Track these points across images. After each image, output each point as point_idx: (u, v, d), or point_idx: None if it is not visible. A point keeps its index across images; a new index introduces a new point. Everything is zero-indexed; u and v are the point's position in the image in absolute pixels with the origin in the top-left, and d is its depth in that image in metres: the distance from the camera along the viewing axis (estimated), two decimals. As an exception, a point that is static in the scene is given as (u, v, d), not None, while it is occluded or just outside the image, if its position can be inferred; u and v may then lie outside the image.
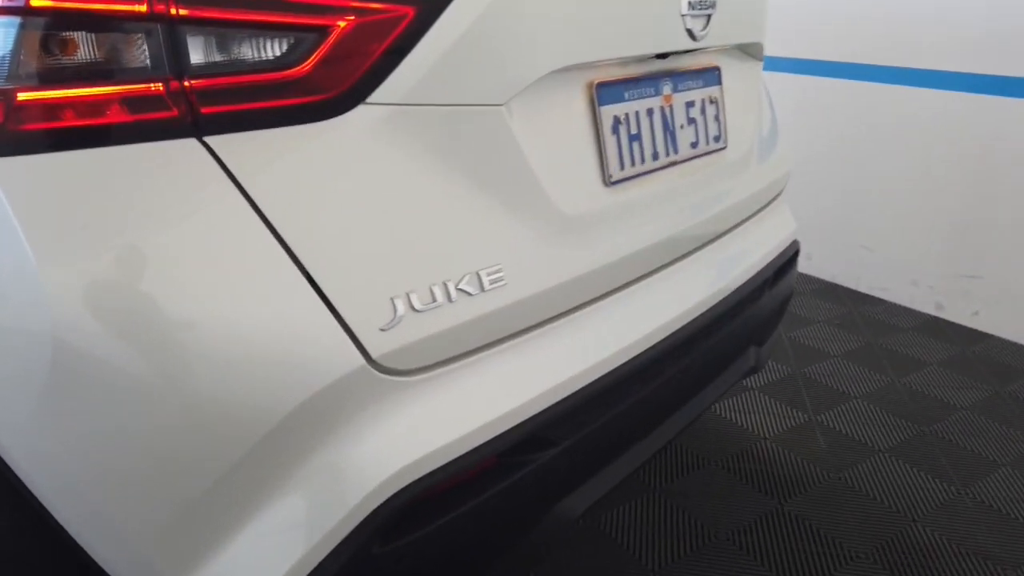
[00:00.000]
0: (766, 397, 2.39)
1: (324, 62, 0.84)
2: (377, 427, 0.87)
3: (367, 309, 0.84)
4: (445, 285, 0.90)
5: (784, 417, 2.28)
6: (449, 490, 0.94)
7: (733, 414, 2.29)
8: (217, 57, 0.81)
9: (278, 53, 0.83)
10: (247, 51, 0.82)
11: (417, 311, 0.87)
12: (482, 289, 0.93)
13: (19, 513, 0.83)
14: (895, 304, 3.11)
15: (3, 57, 0.74)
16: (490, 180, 0.96)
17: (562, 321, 1.05)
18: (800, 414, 2.29)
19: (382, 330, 0.85)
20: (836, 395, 2.40)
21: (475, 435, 0.93)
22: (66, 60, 0.76)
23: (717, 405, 2.33)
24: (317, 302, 0.81)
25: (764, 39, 1.50)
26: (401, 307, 0.86)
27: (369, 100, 0.87)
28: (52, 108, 0.75)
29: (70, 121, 0.76)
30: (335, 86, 0.85)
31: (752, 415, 2.29)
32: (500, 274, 0.95)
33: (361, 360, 0.83)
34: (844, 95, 3.11)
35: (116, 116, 0.77)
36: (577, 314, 1.07)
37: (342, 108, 0.86)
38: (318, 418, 0.83)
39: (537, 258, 1.00)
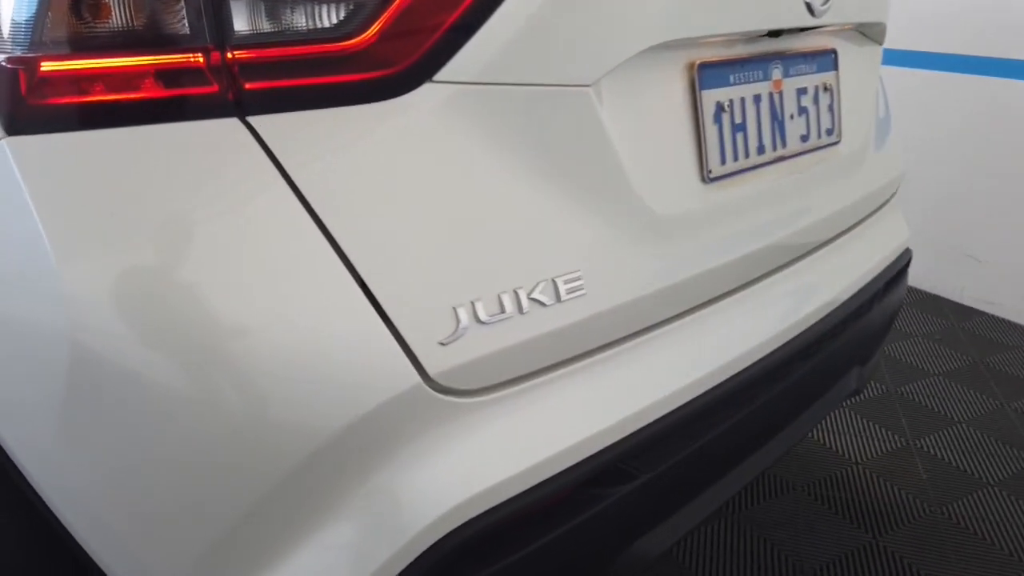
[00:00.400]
0: (859, 417, 2.19)
1: (387, 32, 0.73)
2: (436, 454, 0.75)
3: (425, 319, 0.72)
4: (516, 294, 0.78)
5: (879, 441, 2.08)
6: (516, 526, 0.82)
7: (822, 435, 2.10)
8: (264, 25, 0.70)
9: (334, 21, 0.72)
10: (299, 19, 0.71)
11: (483, 323, 0.75)
12: (558, 299, 0.81)
13: (33, 529, 0.75)
14: (1003, 319, 2.84)
15: (27, 22, 0.65)
16: (572, 173, 0.83)
17: (647, 337, 0.91)
18: (897, 438, 2.09)
19: (442, 344, 0.73)
20: (937, 418, 2.19)
21: (545, 466, 0.81)
22: (97, 26, 0.66)
23: (804, 423, 2.15)
24: (368, 310, 0.70)
25: (887, 19, 1.32)
26: (464, 318, 0.74)
27: (436, 78, 0.75)
28: (78, 80, 0.66)
29: (97, 96, 0.66)
30: (398, 61, 0.74)
31: (843, 437, 2.10)
32: (579, 282, 0.82)
33: (416, 378, 0.72)
34: (948, 90, 2.86)
35: (148, 91, 0.67)
36: (665, 330, 0.93)
37: (405, 87, 0.74)
38: (367, 442, 0.72)
39: (622, 264, 0.87)
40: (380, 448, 0.73)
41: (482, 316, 0.75)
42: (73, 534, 0.72)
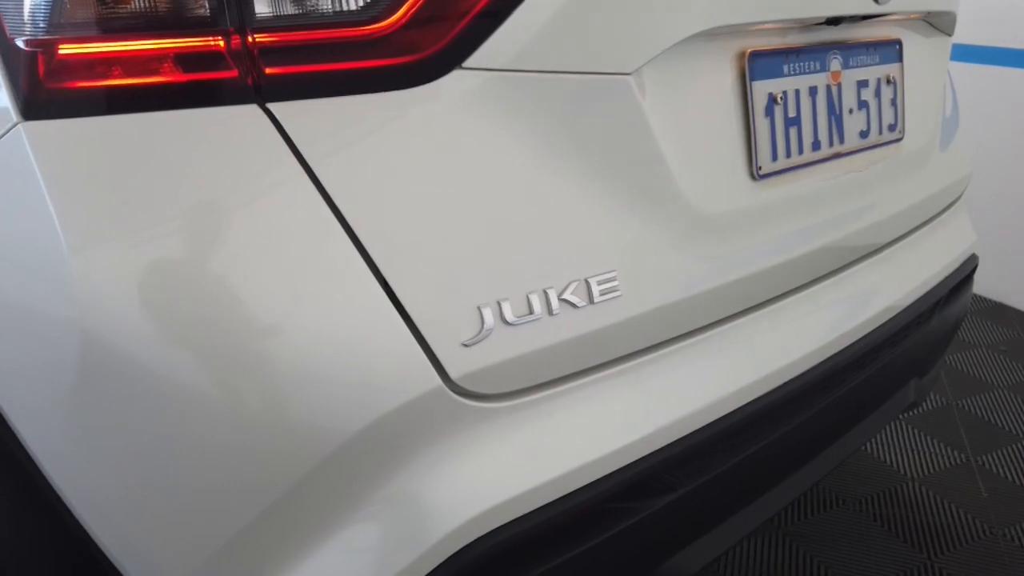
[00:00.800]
0: (915, 431, 2.08)
1: (415, 16, 0.69)
2: (460, 459, 0.72)
3: (448, 319, 0.68)
4: (545, 294, 0.73)
5: (937, 456, 1.98)
6: (543, 537, 0.78)
7: (876, 449, 2.00)
8: (287, 8, 0.67)
9: (360, 4, 0.69)
10: (323, 2, 0.68)
11: (509, 324, 0.71)
12: (591, 300, 0.76)
13: (50, 525, 0.73)
14: (1075, 331, 2.69)
15: (46, 4, 0.63)
16: (610, 166, 0.78)
17: (689, 343, 0.86)
18: (956, 454, 1.98)
19: (465, 345, 0.69)
20: (1000, 434, 2.07)
21: (575, 476, 0.76)
22: (116, 9, 0.64)
23: (856, 435, 2.05)
24: (389, 309, 0.66)
25: (957, 8, 1.23)
26: (490, 318, 0.70)
27: (466, 64, 0.71)
28: (96, 64, 0.64)
29: (115, 80, 0.64)
30: (426, 46, 0.70)
31: (899, 451, 2.00)
32: (614, 283, 0.77)
33: (437, 380, 0.68)
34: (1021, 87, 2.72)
35: (166, 76, 0.65)
36: (708, 335, 0.88)
37: (433, 73, 0.70)
38: (387, 445, 0.68)
39: (662, 265, 0.82)
40: (401, 451, 0.69)
41: (509, 317, 0.71)
42: (87, 530, 0.70)
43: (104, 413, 0.65)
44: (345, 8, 0.69)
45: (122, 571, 0.71)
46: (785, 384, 0.93)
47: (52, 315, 0.64)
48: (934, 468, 1.93)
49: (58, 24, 0.64)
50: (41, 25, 0.64)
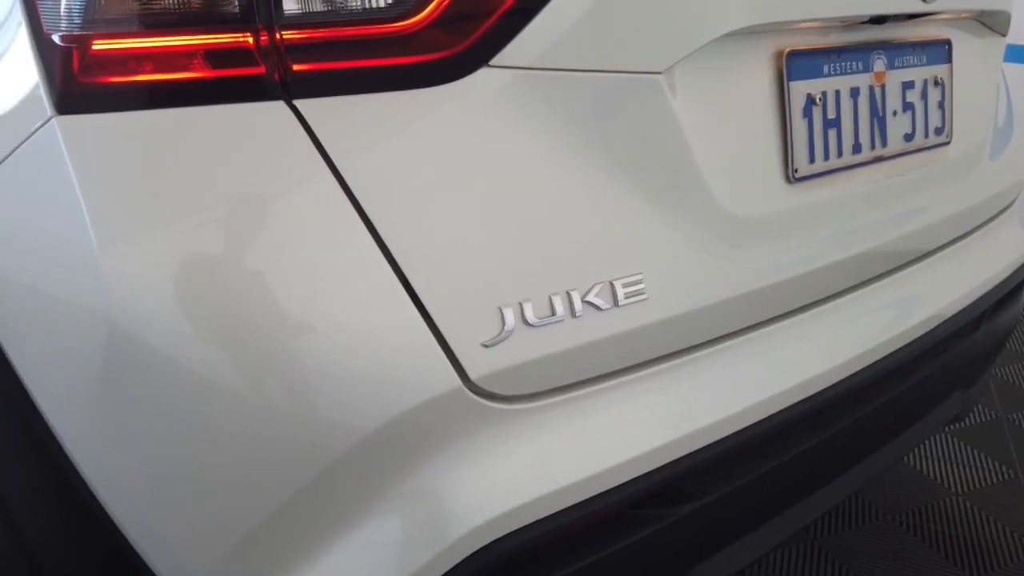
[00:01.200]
0: (961, 444, 2.01)
1: (442, 13, 0.69)
2: (478, 460, 0.71)
3: (468, 318, 0.68)
4: (568, 296, 0.72)
5: (983, 471, 1.91)
6: (563, 542, 0.77)
7: (920, 461, 1.95)
8: (315, 5, 0.67)
9: (388, 1, 0.68)
10: None
11: (530, 325, 0.70)
12: (615, 303, 0.75)
13: (79, 515, 0.75)
14: None
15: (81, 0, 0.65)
16: (638, 167, 0.77)
17: (718, 348, 0.84)
18: (1004, 469, 1.91)
19: (485, 346, 0.68)
20: (1053, 451, 1.99)
21: (596, 481, 0.75)
22: (148, 5, 0.65)
23: (899, 447, 2.00)
24: (409, 307, 0.66)
25: (1011, 7, 1.19)
26: (511, 319, 0.69)
27: (493, 62, 0.70)
28: (129, 59, 0.65)
29: (146, 75, 0.65)
30: (453, 43, 0.70)
31: (943, 465, 1.93)
32: (640, 286, 0.76)
33: (456, 380, 0.67)
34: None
35: (196, 71, 0.65)
36: (738, 341, 0.86)
37: (460, 71, 0.70)
38: (405, 443, 0.68)
39: (691, 269, 0.80)
40: (420, 449, 0.69)
41: (530, 318, 0.70)
42: (113, 518, 0.72)
43: (128, 403, 0.66)
44: (373, 5, 0.68)
45: (147, 561, 0.72)
46: (818, 393, 0.91)
47: (80, 306, 0.65)
48: (980, 483, 1.86)
49: (92, 20, 0.65)
50: (76, 20, 0.65)
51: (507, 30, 0.71)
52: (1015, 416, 2.15)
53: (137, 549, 0.72)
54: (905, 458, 1.95)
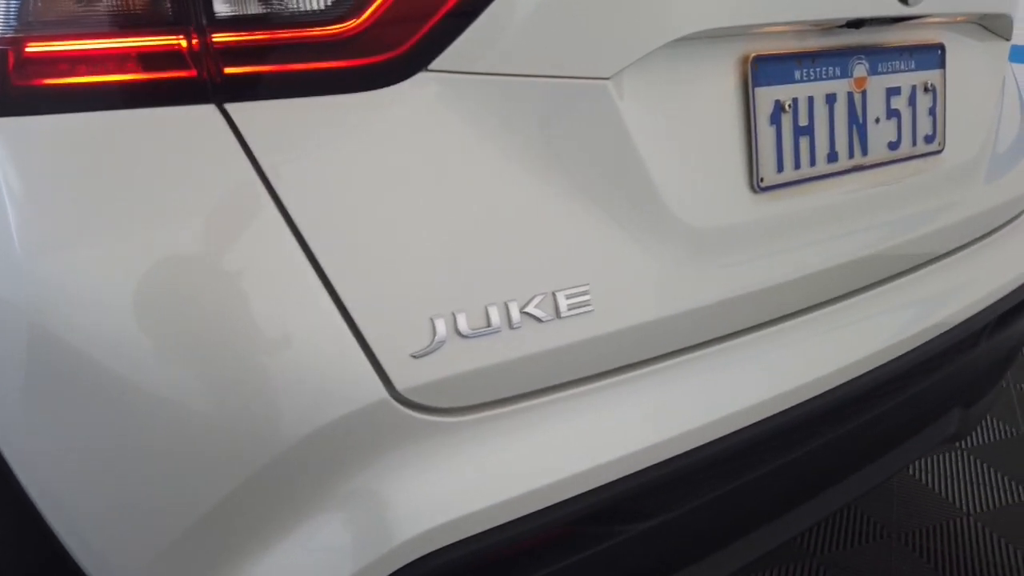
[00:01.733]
0: (976, 461, 1.94)
1: (379, 16, 0.67)
2: (410, 473, 0.70)
3: (397, 328, 0.66)
4: (506, 306, 0.70)
5: (998, 490, 1.84)
6: (503, 560, 0.75)
7: (928, 477, 1.88)
8: (249, 7, 0.66)
9: (325, 4, 0.67)
10: (286, 1, 0.67)
11: (464, 336, 0.69)
12: (558, 315, 0.73)
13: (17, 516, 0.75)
14: None
15: (14, 2, 0.65)
16: (586, 176, 0.75)
17: (673, 363, 0.81)
18: (1020, 489, 1.84)
19: (414, 356, 0.67)
20: (1075, 471, 1.91)
21: (538, 496, 0.73)
22: (82, 7, 0.65)
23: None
24: (336, 317, 0.65)
25: (1013, 10, 1.13)
26: (443, 329, 0.68)
27: (433, 66, 0.69)
28: (62, 62, 0.65)
29: (78, 78, 0.65)
30: (391, 47, 0.68)
31: (954, 482, 1.86)
32: (585, 297, 0.74)
33: (382, 392, 0.66)
34: None
35: (128, 74, 0.65)
36: (695, 355, 0.83)
37: (398, 76, 0.68)
38: (333, 453, 0.67)
39: (642, 280, 0.78)
40: (351, 459, 0.68)
41: (463, 329, 0.68)
42: (47, 521, 0.72)
43: (54, 405, 0.66)
44: (309, 8, 0.67)
45: (81, 565, 0.72)
46: (785, 411, 0.88)
47: (6, 306, 0.65)
48: (992, 504, 1.79)
49: (27, 22, 0.65)
50: (11, 23, 0.65)
51: (446, 34, 0.69)
52: (1036, 434, 2.07)
53: (71, 554, 0.72)
54: (914, 472, 1.89)
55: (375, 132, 0.68)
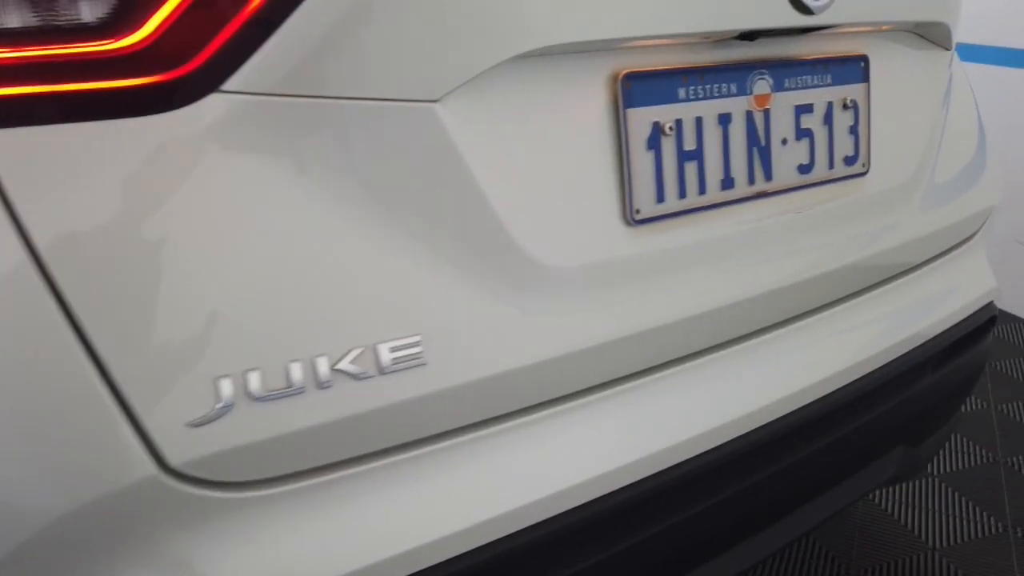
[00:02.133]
0: (948, 489, 1.83)
1: (162, 28, 0.58)
2: (199, 555, 0.61)
3: (170, 393, 0.57)
4: (313, 363, 0.61)
5: (970, 523, 1.73)
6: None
7: (894, 507, 1.77)
8: (6, 19, 0.57)
9: (99, 14, 0.59)
10: (49, 12, 0.58)
11: (257, 399, 0.60)
12: (380, 371, 0.63)
13: None
14: None
15: None
16: (414, 212, 0.66)
17: (526, 420, 0.72)
18: (995, 522, 1.73)
19: (192, 425, 0.58)
20: (1053, 502, 1.80)
21: None
22: None
23: (875, 493, 1.82)
24: (94, 379, 0.56)
25: (952, 18, 1.02)
26: (228, 392, 0.59)
27: (226, 87, 0.60)
28: None
29: None
30: (176, 64, 0.59)
31: (921, 513, 1.76)
32: (416, 349, 0.65)
33: (151, 467, 0.57)
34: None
35: None
36: (555, 410, 0.73)
37: (184, 98, 0.59)
38: (100, 533, 0.58)
39: (487, 327, 0.68)
40: (115, 545, 0.59)
41: (256, 391, 0.59)
42: None
43: None
44: (80, 19, 0.59)
45: None
46: (672, 467, 0.78)
47: None
48: (965, 537, 1.69)
49: None
50: None
51: (242, 50, 0.60)
52: (1015, 460, 1.95)
53: None
54: (880, 501, 1.78)
55: (155, 163, 0.59)
